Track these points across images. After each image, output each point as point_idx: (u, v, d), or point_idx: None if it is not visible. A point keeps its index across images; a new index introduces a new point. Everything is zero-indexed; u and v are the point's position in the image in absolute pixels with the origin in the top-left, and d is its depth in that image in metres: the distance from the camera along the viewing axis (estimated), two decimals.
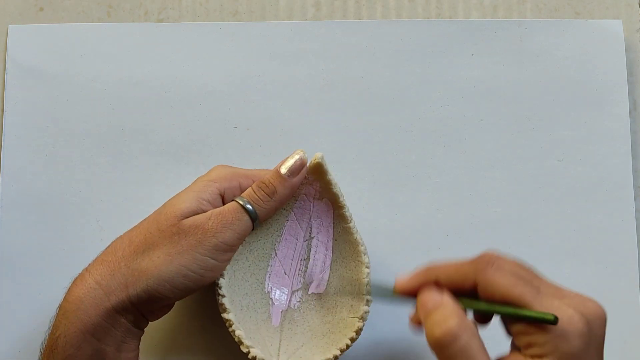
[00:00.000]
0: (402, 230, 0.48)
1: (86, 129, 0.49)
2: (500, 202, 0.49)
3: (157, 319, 0.42)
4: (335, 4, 0.51)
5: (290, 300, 0.44)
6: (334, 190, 0.43)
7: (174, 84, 0.50)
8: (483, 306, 0.36)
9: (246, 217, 0.40)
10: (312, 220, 0.45)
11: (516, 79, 0.50)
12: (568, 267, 0.48)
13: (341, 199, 0.43)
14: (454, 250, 0.48)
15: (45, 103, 0.49)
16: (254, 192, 0.41)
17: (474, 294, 0.37)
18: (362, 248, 0.43)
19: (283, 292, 0.44)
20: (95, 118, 0.49)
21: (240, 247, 0.42)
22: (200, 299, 0.47)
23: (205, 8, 0.51)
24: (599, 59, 0.50)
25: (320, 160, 0.42)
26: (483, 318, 0.38)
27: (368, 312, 0.42)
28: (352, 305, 0.43)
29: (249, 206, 0.40)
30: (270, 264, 0.44)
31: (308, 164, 0.42)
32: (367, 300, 0.42)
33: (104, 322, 0.38)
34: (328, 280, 0.44)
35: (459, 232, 0.48)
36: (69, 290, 0.39)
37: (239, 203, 0.40)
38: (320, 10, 0.51)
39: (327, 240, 0.45)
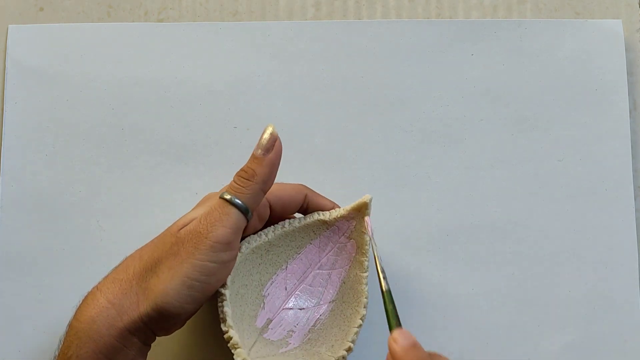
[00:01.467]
0: (402, 230, 0.48)
1: (86, 129, 0.49)
2: (500, 202, 0.49)
3: (167, 335, 0.41)
4: (335, 4, 0.51)
5: (278, 314, 0.44)
6: (366, 237, 0.43)
7: (174, 84, 0.50)
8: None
9: (233, 210, 0.39)
10: (331, 255, 0.44)
11: (516, 79, 0.50)
12: (568, 267, 0.48)
13: (367, 247, 0.43)
14: (454, 250, 0.48)
15: (45, 103, 0.49)
16: (235, 183, 0.40)
17: None
18: (365, 300, 0.43)
19: (274, 304, 0.44)
20: (95, 118, 0.49)
21: (262, 242, 0.42)
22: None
23: (205, 8, 0.51)
24: (599, 59, 0.50)
25: (367, 201, 0.42)
26: None
27: (345, 357, 0.41)
28: (332, 345, 0.42)
29: (233, 199, 0.39)
30: (277, 273, 0.44)
31: (357, 202, 0.42)
32: (349, 347, 0.41)
33: (117, 343, 0.37)
34: (320, 315, 0.44)
35: (459, 232, 0.48)
36: (79, 309, 0.38)
37: (223, 198, 0.39)
38: (320, 10, 0.51)
39: (338, 281, 0.44)
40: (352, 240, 0.44)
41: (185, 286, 0.37)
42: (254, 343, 0.42)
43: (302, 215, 0.44)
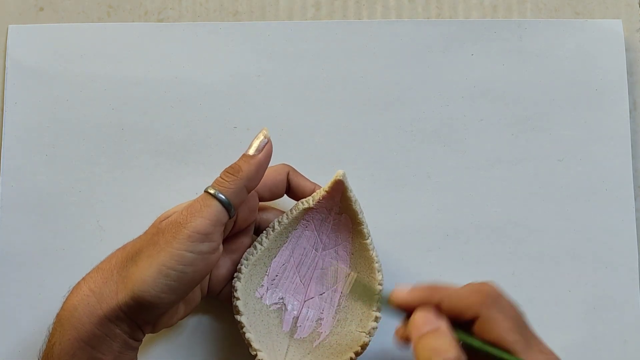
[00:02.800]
0: (402, 230, 0.48)
1: (86, 129, 0.49)
2: (500, 202, 0.49)
3: (154, 331, 0.41)
4: (335, 4, 0.51)
5: (302, 308, 0.45)
6: (354, 207, 0.43)
7: (174, 84, 0.50)
8: (476, 343, 0.36)
9: (215, 202, 0.39)
10: (330, 233, 0.45)
11: (516, 79, 0.50)
12: (568, 267, 0.48)
13: (360, 216, 0.43)
14: (454, 250, 0.48)
15: (45, 103, 0.49)
16: (220, 177, 0.40)
17: (466, 327, 0.36)
18: (376, 265, 0.43)
19: (295, 301, 0.45)
20: (95, 118, 0.49)
21: (260, 254, 0.43)
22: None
23: (205, 8, 0.51)
24: (599, 59, 0.50)
25: (341, 178, 0.42)
26: (469, 354, 0.37)
27: (376, 328, 0.42)
28: (361, 320, 0.43)
29: (217, 193, 0.39)
30: (285, 272, 0.45)
31: (332, 180, 0.42)
32: (376, 317, 0.42)
33: (98, 331, 0.38)
34: (341, 293, 0.45)
35: (459, 232, 0.48)
36: (65, 298, 0.39)
37: (207, 191, 0.40)
38: (320, 10, 0.51)
39: (346, 254, 0.45)
40: (343, 214, 0.44)
41: (161, 274, 0.37)
42: (287, 349, 0.43)
43: (287, 211, 0.44)
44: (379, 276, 0.43)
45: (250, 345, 0.41)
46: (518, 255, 0.48)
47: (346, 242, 0.45)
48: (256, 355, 0.41)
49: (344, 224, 0.44)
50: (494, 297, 0.37)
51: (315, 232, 0.45)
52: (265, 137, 0.41)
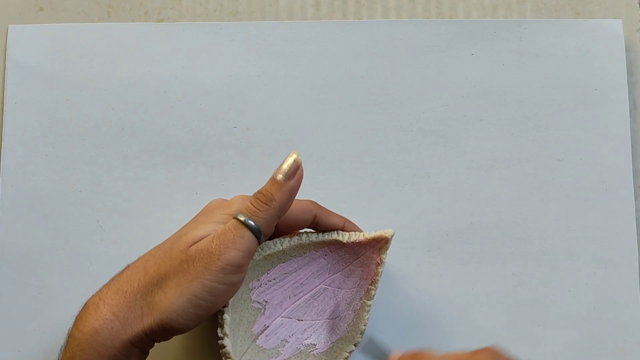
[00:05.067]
0: (402, 230, 0.48)
1: (86, 129, 0.49)
2: (500, 202, 0.49)
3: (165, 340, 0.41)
4: (335, 4, 0.51)
5: (275, 320, 0.44)
6: (379, 269, 0.42)
7: (174, 84, 0.50)
8: None
9: (248, 233, 0.38)
10: (342, 274, 0.44)
11: (516, 79, 0.50)
12: (568, 267, 0.48)
13: (378, 278, 0.43)
14: (454, 250, 0.48)
15: (45, 103, 0.49)
16: (252, 205, 0.39)
17: None
18: (362, 328, 0.43)
19: (274, 311, 0.44)
20: (95, 118, 0.49)
21: (276, 251, 0.42)
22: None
23: (205, 8, 0.51)
24: (599, 59, 0.50)
25: (389, 237, 0.42)
26: None
27: None
28: None
29: (248, 221, 0.38)
30: (284, 281, 0.44)
31: (379, 233, 0.42)
32: None
33: (120, 355, 0.37)
34: (314, 332, 0.44)
35: (459, 232, 0.48)
36: (81, 318, 0.38)
37: (239, 219, 0.38)
38: (320, 10, 0.51)
39: (342, 300, 0.44)
40: (364, 267, 0.43)
41: (192, 304, 0.37)
42: (247, 349, 0.42)
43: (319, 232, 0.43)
44: (358, 337, 0.43)
45: (222, 327, 0.40)
46: (518, 255, 0.48)
47: (349, 290, 0.44)
48: (222, 339, 0.40)
49: (357, 275, 0.44)
50: None
51: (329, 265, 0.44)
52: (296, 161, 0.40)
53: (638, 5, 0.51)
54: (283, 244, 0.42)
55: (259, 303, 0.43)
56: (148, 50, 0.50)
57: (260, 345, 0.43)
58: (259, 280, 0.43)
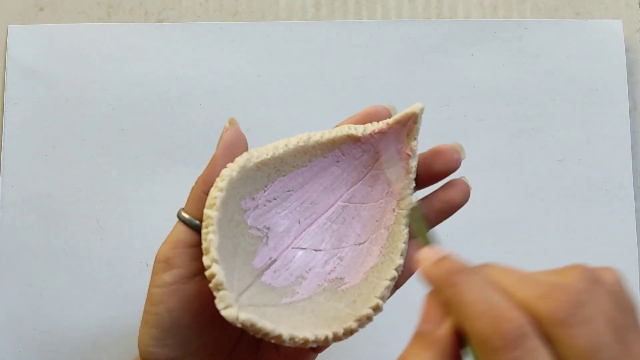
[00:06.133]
0: None
1: (86, 129, 0.49)
2: (500, 202, 0.49)
3: None
4: (335, 4, 0.51)
5: (284, 253, 0.34)
6: (412, 163, 0.33)
7: (174, 84, 0.50)
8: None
9: (177, 223, 0.33)
10: (362, 183, 0.35)
11: (516, 79, 0.50)
12: None
13: (412, 176, 0.33)
14: (454, 250, 0.48)
15: (45, 103, 0.49)
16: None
17: None
18: (402, 246, 0.33)
19: (281, 240, 0.34)
20: (95, 118, 0.49)
21: (269, 157, 0.32)
22: None
23: (205, 8, 0.51)
24: (599, 59, 0.50)
25: (417, 112, 0.32)
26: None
27: (370, 318, 0.31)
28: (354, 301, 0.32)
29: (178, 212, 0.33)
30: (288, 200, 0.34)
31: (403, 112, 0.33)
32: (377, 305, 0.31)
33: None
34: (340, 261, 0.34)
35: (459, 232, 0.48)
36: None
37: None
38: (320, 10, 0.51)
39: (369, 217, 0.34)
40: (391, 168, 0.34)
41: (143, 324, 0.32)
42: (248, 287, 0.32)
43: (325, 130, 0.34)
44: (398, 260, 0.32)
45: (209, 252, 0.29)
46: (518, 255, 0.48)
47: (376, 203, 0.34)
48: (210, 267, 0.29)
49: (383, 181, 0.34)
50: (574, 307, 0.23)
51: (345, 174, 0.34)
52: (225, 129, 0.33)
53: (638, 6, 0.51)
54: (278, 148, 0.32)
55: (258, 229, 0.33)
56: (148, 50, 0.50)
57: (267, 283, 0.33)
58: (253, 199, 0.33)
